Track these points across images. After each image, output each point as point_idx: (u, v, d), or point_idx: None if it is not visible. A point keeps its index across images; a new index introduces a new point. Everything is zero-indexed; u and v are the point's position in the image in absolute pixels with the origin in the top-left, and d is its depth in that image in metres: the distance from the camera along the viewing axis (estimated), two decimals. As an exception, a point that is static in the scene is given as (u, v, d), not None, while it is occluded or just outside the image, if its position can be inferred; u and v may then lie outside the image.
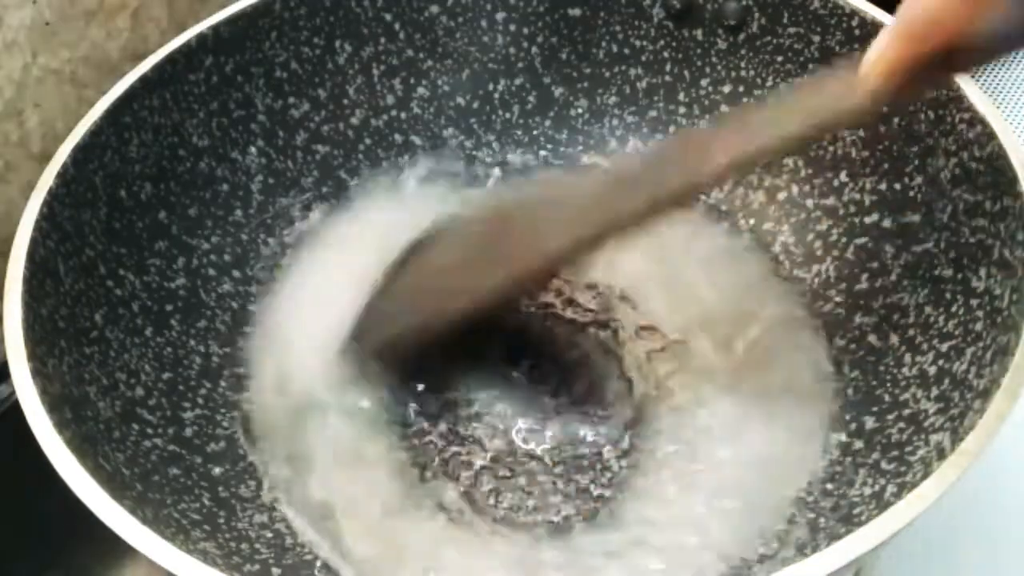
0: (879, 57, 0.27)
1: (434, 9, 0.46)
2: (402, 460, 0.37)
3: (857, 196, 0.40)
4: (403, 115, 0.47)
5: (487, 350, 0.39)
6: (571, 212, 0.34)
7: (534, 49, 0.47)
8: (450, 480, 0.36)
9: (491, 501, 0.35)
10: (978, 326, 0.32)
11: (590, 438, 0.37)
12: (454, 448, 0.37)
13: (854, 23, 0.40)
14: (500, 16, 0.46)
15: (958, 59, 0.26)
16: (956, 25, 0.25)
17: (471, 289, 0.36)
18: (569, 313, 0.41)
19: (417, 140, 0.47)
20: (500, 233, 0.36)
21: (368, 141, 0.46)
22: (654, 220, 0.33)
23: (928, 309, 0.35)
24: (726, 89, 0.45)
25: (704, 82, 0.45)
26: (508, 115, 0.48)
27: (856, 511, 0.31)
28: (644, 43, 0.46)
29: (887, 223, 0.39)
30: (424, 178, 0.47)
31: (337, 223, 0.45)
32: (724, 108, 0.45)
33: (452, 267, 0.37)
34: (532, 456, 0.36)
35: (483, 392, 0.38)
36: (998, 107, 0.35)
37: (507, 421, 0.37)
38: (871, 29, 0.39)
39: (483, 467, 0.36)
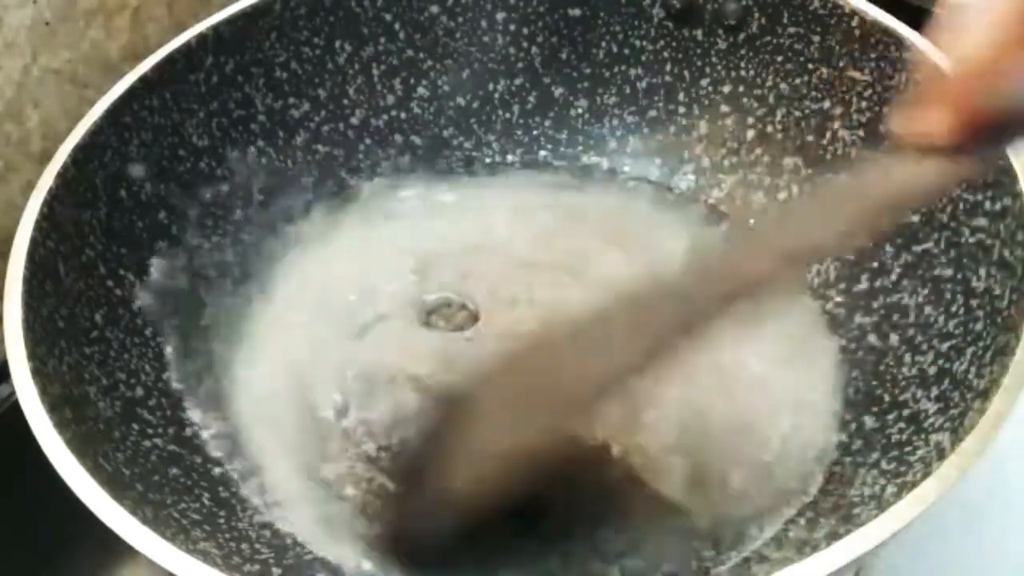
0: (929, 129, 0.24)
1: (434, 9, 0.46)
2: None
3: (857, 196, 0.40)
4: (403, 115, 0.47)
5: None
6: (615, 340, 0.29)
7: (534, 49, 0.47)
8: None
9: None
10: (978, 326, 0.32)
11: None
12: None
13: (854, 23, 0.40)
14: (500, 16, 0.46)
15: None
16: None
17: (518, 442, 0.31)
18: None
19: (417, 140, 0.47)
20: (538, 375, 0.31)
21: (368, 141, 0.46)
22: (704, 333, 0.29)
23: (928, 309, 0.35)
24: (726, 89, 0.45)
25: (704, 82, 0.45)
26: (508, 115, 0.48)
27: (856, 511, 0.31)
28: (644, 43, 0.46)
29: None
30: (424, 178, 0.47)
31: (338, 223, 0.45)
32: (724, 108, 0.45)
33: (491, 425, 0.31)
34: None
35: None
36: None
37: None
38: (871, 29, 0.39)
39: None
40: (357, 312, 0.41)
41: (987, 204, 0.34)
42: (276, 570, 0.32)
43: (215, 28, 0.41)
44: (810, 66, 0.42)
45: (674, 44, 0.45)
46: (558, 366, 0.30)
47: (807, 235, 0.28)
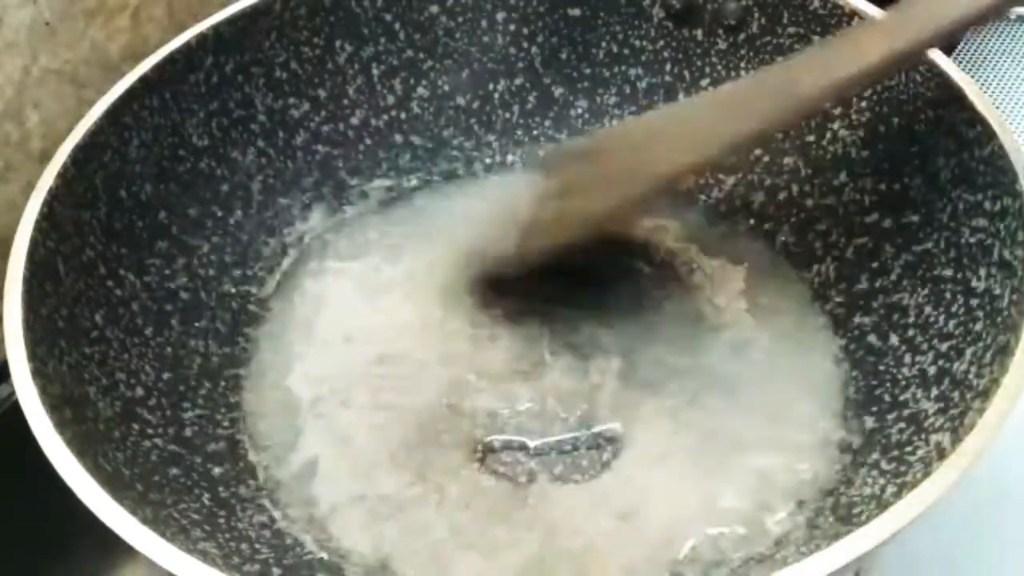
0: None
1: (434, 9, 0.46)
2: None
3: (857, 196, 0.40)
4: (403, 115, 0.47)
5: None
6: (674, 138, 0.36)
7: (534, 49, 0.47)
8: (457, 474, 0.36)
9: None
10: (978, 326, 0.32)
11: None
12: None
13: (854, 23, 0.40)
14: (500, 16, 0.46)
15: None
16: None
17: (581, 214, 0.38)
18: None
19: (417, 140, 0.47)
20: (606, 161, 0.38)
21: (368, 141, 0.46)
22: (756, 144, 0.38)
23: (928, 309, 0.35)
24: (726, 89, 0.45)
25: (704, 82, 0.45)
26: (508, 115, 0.48)
27: (856, 511, 0.31)
28: (644, 43, 0.46)
29: (887, 223, 0.39)
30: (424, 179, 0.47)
31: (338, 225, 0.45)
32: (724, 108, 0.45)
33: (562, 193, 0.39)
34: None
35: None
36: (998, 107, 0.35)
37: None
38: (871, 29, 0.39)
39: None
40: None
41: (987, 204, 0.34)
42: (276, 570, 0.32)
43: (215, 28, 0.41)
44: (810, 66, 0.42)
45: (674, 44, 0.45)
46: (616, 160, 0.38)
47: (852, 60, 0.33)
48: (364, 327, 0.41)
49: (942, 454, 0.28)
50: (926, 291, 0.36)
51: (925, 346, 0.35)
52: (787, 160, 0.43)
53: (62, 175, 0.35)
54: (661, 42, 0.46)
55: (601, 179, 0.38)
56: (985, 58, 0.53)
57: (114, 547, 0.27)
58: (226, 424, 0.38)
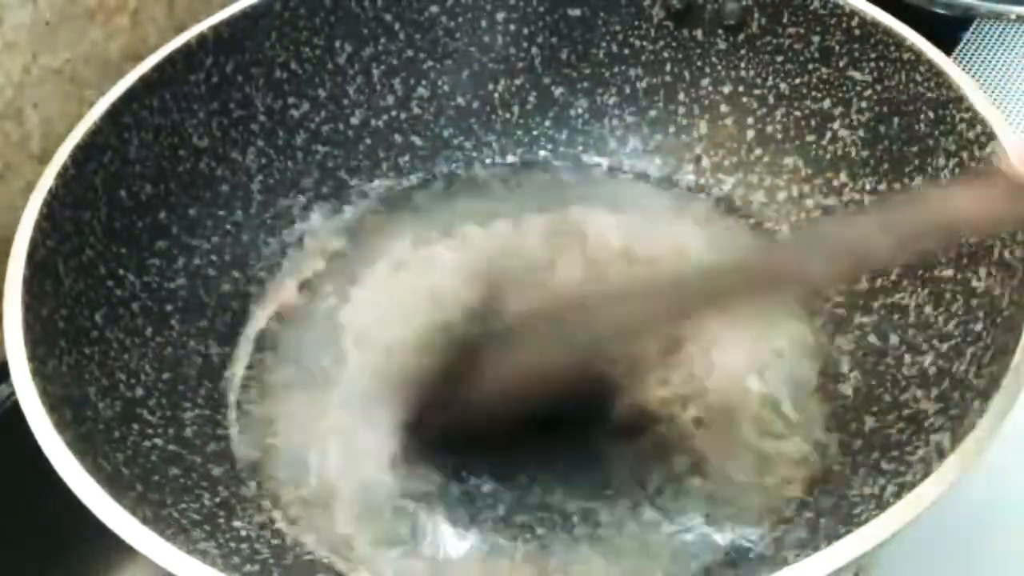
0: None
1: (434, 9, 0.46)
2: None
3: (857, 196, 0.40)
4: (403, 115, 0.47)
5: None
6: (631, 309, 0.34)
7: (534, 49, 0.47)
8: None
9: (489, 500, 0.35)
10: (978, 326, 0.32)
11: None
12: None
13: (854, 23, 0.40)
14: (500, 16, 0.46)
15: None
16: None
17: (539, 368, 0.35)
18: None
19: (417, 140, 0.47)
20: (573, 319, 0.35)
21: (368, 141, 0.46)
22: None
23: (928, 309, 0.35)
24: (726, 89, 0.45)
25: (704, 82, 0.45)
26: (508, 115, 0.48)
27: (856, 511, 0.31)
28: (644, 43, 0.46)
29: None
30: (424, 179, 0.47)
31: (339, 225, 0.45)
32: (724, 108, 0.45)
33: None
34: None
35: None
36: (998, 107, 0.35)
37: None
38: (871, 29, 0.39)
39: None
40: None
41: (987, 204, 0.34)
42: (276, 570, 0.32)
43: (215, 28, 0.41)
44: (810, 66, 0.42)
45: (674, 44, 0.45)
46: (590, 316, 0.34)
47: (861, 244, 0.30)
48: (366, 329, 0.41)
49: (942, 454, 0.28)
50: (926, 291, 0.36)
51: (925, 346, 0.35)
52: (787, 160, 0.43)
53: (62, 175, 0.35)
54: (661, 42, 0.45)
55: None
56: (985, 58, 0.53)
57: (114, 547, 0.27)
58: (226, 424, 0.38)
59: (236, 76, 0.42)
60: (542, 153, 0.48)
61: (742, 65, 0.44)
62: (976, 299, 0.33)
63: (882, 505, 0.28)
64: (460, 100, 0.47)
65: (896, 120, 0.39)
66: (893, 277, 0.38)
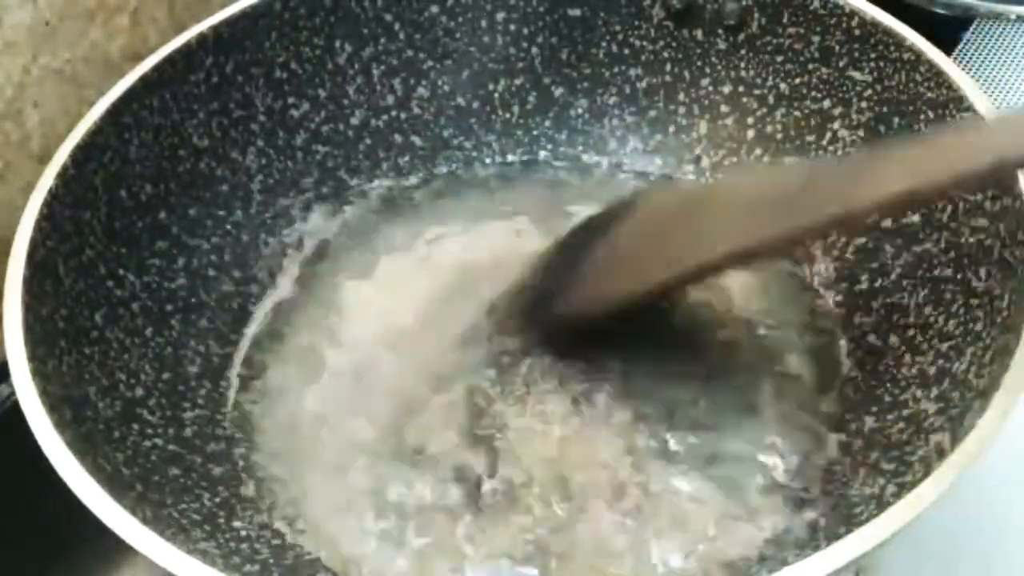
0: None
1: (434, 9, 0.46)
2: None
3: (857, 196, 0.40)
4: (403, 115, 0.47)
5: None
6: (737, 218, 0.33)
7: (534, 49, 0.47)
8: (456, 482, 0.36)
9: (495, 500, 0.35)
10: (978, 326, 0.32)
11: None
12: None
13: (854, 23, 0.40)
14: (500, 16, 0.46)
15: None
16: None
17: (640, 271, 0.35)
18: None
19: (417, 140, 0.47)
20: (669, 224, 0.36)
21: (368, 141, 0.46)
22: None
23: (928, 309, 0.35)
24: (726, 89, 0.45)
25: (704, 82, 0.45)
26: (508, 115, 0.48)
27: (856, 511, 0.31)
28: (644, 43, 0.46)
29: (887, 223, 0.39)
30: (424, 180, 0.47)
31: (339, 225, 0.45)
32: (724, 108, 0.45)
33: (625, 246, 0.37)
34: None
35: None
36: (998, 107, 0.35)
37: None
38: (871, 29, 0.39)
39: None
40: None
41: (987, 204, 0.34)
42: (276, 570, 0.32)
43: (215, 28, 0.41)
44: (810, 66, 0.42)
45: (674, 44, 0.45)
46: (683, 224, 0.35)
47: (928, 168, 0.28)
48: (366, 329, 0.41)
49: (942, 454, 0.28)
50: (926, 291, 0.36)
51: (925, 346, 0.35)
52: (787, 160, 0.43)
53: (62, 175, 0.35)
54: (661, 42, 0.45)
55: (652, 249, 0.36)
56: (985, 58, 0.53)
57: (114, 547, 0.27)
58: (226, 424, 0.38)
59: (236, 76, 0.42)
60: (542, 153, 0.48)
61: (742, 65, 0.44)
62: (976, 299, 0.33)
63: (882, 505, 0.28)
64: (460, 100, 0.47)
65: (896, 120, 0.39)
66: (893, 277, 0.38)
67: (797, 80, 0.42)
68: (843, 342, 0.38)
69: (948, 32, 0.53)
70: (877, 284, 0.38)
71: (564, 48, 0.47)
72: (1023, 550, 0.37)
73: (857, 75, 0.40)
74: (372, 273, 0.43)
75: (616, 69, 0.47)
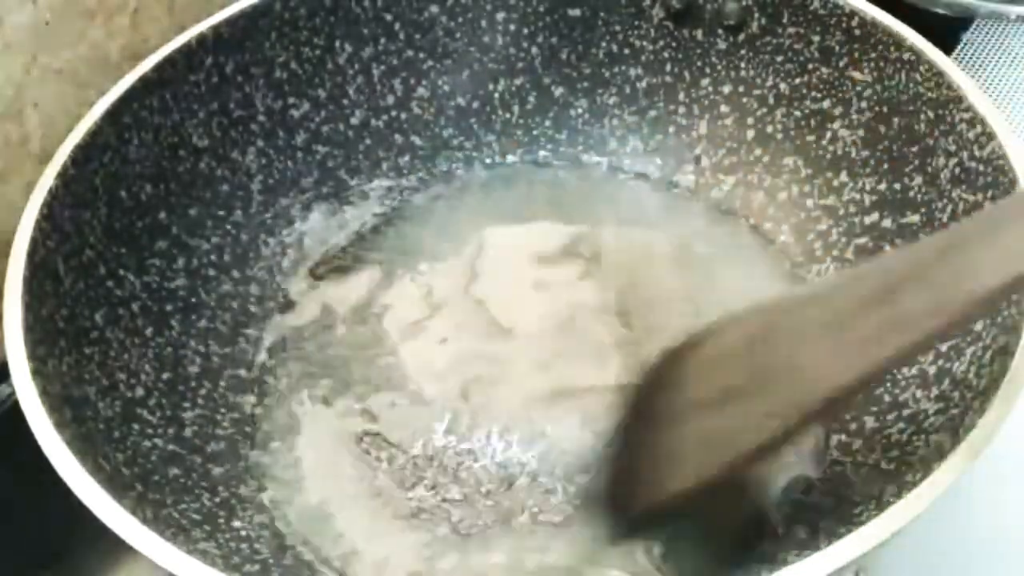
0: None
1: (434, 9, 0.46)
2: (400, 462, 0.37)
3: (857, 196, 0.40)
4: (403, 115, 0.47)
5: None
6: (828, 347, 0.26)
7: (534, 49, 0.47)
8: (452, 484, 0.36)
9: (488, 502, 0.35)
10: (978, 326, 0.32)
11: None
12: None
13: (854, 23, 0.40)
14: (500, 16, 0.46)
15: None
16: None
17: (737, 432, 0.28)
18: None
19: (417, 140, 0.47)
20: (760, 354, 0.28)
21: (368, 141, 0.46)
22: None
23: (928, 309, 0.35)
24: (726, 89, 0.45)
25: (704, 82, 0.45)
26: (508, 115, 0.48)
27: (856, 511, 0.31)
28: (644, 43, 0.46)
29: (887, 223, 0.39)
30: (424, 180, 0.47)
31: (339, 225, 0.45)
32: (724, 108, 0.45)
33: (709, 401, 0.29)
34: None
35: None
36: (998, 107, 0.35)
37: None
38: (871, 29, 0.39)
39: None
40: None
41: (987, 204, 0.34)
42: (276, 570, 0.32)
43: (215, 28, 0.41)
44: (810, 66, 0.42)
45: (674, 44, 0.45)
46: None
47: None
48: (365, 328, 0.41)
49: (942, 454, 0.28)
50: (926, 291, 0.36)
51: (925, 346, 0.35)
52: (787, 160, 0.43)
53: (62, 175, 0.35)
54: (661, 42, 0.45)
55: (749, 394, 0.27)
56: (985, 58, 0.53)
57: (114, 547, 0.27)
58: (226, 424, 0.38)
59: (236, 76, 0.42)
60: (542, 153, 0.48)
61: (742, 65, 0.44)
62: (976, 299, 0.33)
63: (882, 505, 0.28)
64: (460, 100, 0.47)
65: (896, 120, 0.39)
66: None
67: (797, 80, 0.42)
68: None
69: (948, 32, 0.53)
70: (877, 284, 0.38)
71: (564, 48, 0.47)
72: (1023, 550, 0.37)
73: (857, 75, 0.40)
74: (371, 273, 0.43)
75: (616, 69, 0.47)
